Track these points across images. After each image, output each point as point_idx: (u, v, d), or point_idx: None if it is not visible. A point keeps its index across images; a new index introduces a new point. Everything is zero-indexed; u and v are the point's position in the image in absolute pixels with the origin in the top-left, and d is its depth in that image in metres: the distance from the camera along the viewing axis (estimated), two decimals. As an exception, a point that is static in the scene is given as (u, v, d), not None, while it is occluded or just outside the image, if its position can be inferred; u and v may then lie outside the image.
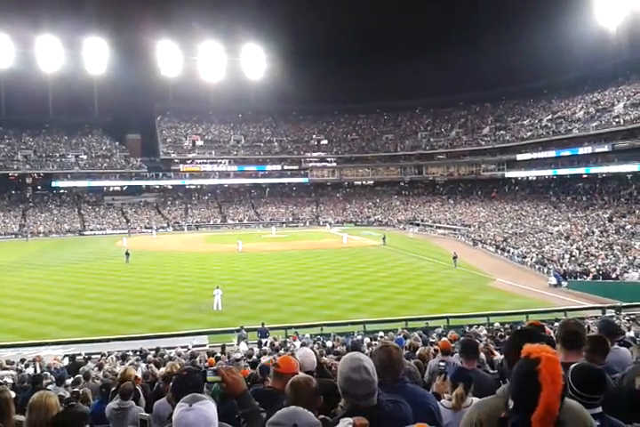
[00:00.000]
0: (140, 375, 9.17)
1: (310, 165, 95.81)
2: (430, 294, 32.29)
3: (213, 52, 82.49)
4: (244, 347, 18.92)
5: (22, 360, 17.44)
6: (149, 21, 76.55)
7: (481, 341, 13.30)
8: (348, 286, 34.95)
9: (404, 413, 3.00)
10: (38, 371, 13.84)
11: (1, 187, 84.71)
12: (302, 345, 15.91)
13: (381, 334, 19.45)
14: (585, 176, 64.74)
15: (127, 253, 46.67)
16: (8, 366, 15.39)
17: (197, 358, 14.55)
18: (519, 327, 5.88)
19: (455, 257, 41.98)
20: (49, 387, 9.43)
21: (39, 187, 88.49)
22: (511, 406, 2.20)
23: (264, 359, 11.60)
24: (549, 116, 73.41)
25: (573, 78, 73.63)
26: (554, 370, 2.08)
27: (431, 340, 16.33)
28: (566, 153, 65.12)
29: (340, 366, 3.03)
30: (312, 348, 14.24)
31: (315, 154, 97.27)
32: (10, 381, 11.49)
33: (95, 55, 79.32)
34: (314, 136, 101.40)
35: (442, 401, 4.29)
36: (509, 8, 73.85)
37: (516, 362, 2.27)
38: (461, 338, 10.27)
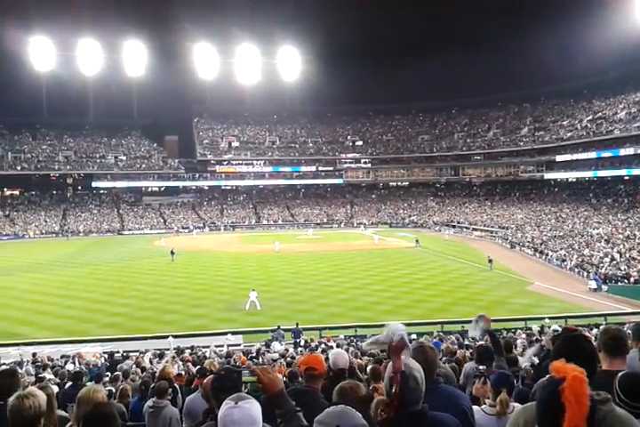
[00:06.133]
0: (175, 373, 9.26)
1: (345, 166, 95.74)
2: (466, 296, 31.86)
3: (250, 54, 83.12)
4: (278, 347, 18.97)
5: (62, 357, 17.84)
6: (187, 25, 77.66)
7: (516, 346, 13.09)
8: (383, 287, 34.76)
9: (448, 421, 2.96)
10: (78, 368, 14.09)
11: (42, 187, 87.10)
12: (337, 347, 15.89)
13: (414, 336, 19.25)
14: (626, 178, 63.18)
15: (172, 252, 47.76)
16: (49, 363, 15.75)
17: (232, 358, 14.66)
18: (564, 333, 5.67)
19: (490, 260, 41.43)
20: (87, 384, 9.59)
21: (79, 187, 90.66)
22: None
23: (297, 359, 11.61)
24: (590, 117, 71.80)
25: (614, 78, 71.79)
26: (579, 390, 1.89)
27: (466, 343, 16.16)
28: (607, 154, 63.70)
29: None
30: (346, 350, 14.21)
31: (349, 155, 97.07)
32: (51, 377, 11.75)
33: (134, 58, 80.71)
34: (349, 137, 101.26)
35: (483, 407, 4.20)
36: (549, 7, 72.52)
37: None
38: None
